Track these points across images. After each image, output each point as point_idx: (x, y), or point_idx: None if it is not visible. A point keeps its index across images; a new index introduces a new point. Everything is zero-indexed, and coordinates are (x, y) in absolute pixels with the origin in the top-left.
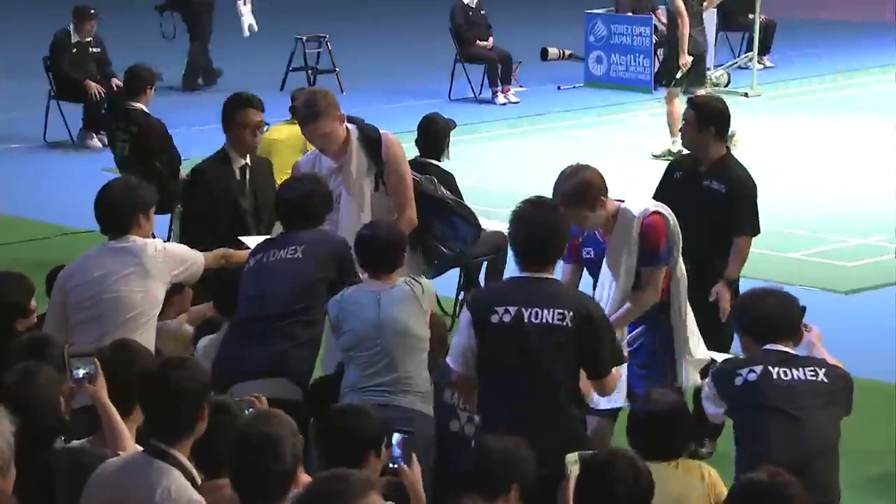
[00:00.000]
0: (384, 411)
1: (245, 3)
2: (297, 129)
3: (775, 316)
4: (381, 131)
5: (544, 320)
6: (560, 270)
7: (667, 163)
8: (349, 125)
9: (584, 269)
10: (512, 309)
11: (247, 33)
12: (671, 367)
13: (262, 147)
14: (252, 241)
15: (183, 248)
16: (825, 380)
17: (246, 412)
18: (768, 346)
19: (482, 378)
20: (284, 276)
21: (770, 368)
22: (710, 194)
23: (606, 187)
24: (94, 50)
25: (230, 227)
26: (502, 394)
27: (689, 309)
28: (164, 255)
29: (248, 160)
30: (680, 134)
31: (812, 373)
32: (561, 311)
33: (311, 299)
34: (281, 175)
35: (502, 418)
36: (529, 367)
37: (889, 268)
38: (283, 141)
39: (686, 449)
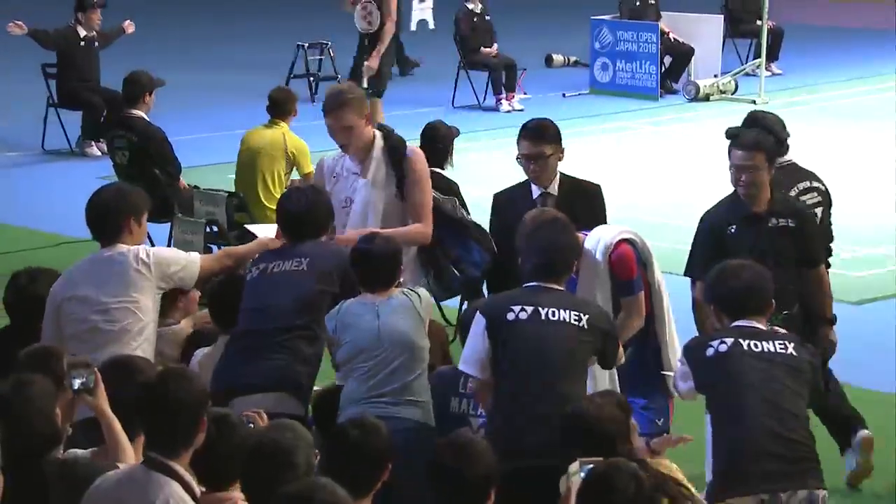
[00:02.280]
0: (385, 423)
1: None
2: (276, 133)
3: (749, 292)
4: (408, 144)
5: (561, 318)
6: None
7: None
8: (377, 131)
9: None
10: (528, 308)
11: (413, 27)
12: (664, 380)
13: (246, 155)
14: (259, 229)
15: (173, 252)
16: (794, 353)
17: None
18: (739, 322)
19: (499, 378)
20: (288, 289)
21: (741, 340)
22: (782, 233)
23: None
24: (96, 44)
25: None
26: (515, 389)
27: (672, 320)
28: (151, 262)
29: (551, 188)
30: (740, 182)
31: (782, 346)
32: (577, 312)
33: (315, 314)
34: (265, 178)
35: (514, 414)
36: (544, 362)
37: None
38: (264, 148)
39: (620, 453)
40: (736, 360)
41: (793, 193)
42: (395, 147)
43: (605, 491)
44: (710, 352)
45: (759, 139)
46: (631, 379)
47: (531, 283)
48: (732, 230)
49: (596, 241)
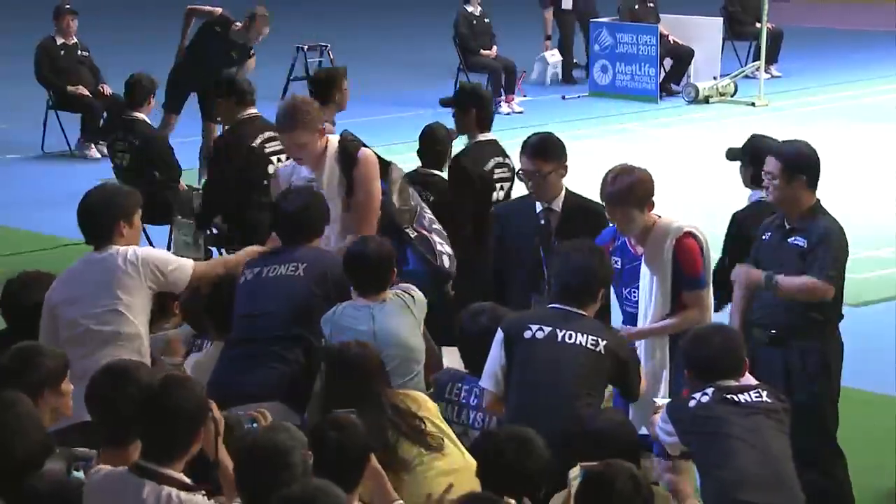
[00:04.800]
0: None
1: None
2: None
3: (721, 356)
4: (362, 148)
5: (577, 342)
6: None
7: None
8: (330, 136)
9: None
10: (546, 328)
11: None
12: None
13: None
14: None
15: (163, 254)
16: (768, 399)
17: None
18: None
19: (510, 392)
20: (283, 295)
21: (720, 393)
22: (792, 253)
23: (653, 185)
24: (83, 53)
25: (530, 280)
26: (525, 406)
27: None
28: (139, 262)
29: (555, 204)
30: (765, 190)
31: (757, 395)
32: (595, 337)
33: (310, 321)
34: None
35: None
36: (557, 383)
37: None
38: None
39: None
40: (718, 409)
41: (488, 167)
42: (346, 152)
43: (602, 491)
44: (691, 403)
45: (785, 147)
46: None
47: (553, 305)
48: (766, 238)
49: (668, 222)
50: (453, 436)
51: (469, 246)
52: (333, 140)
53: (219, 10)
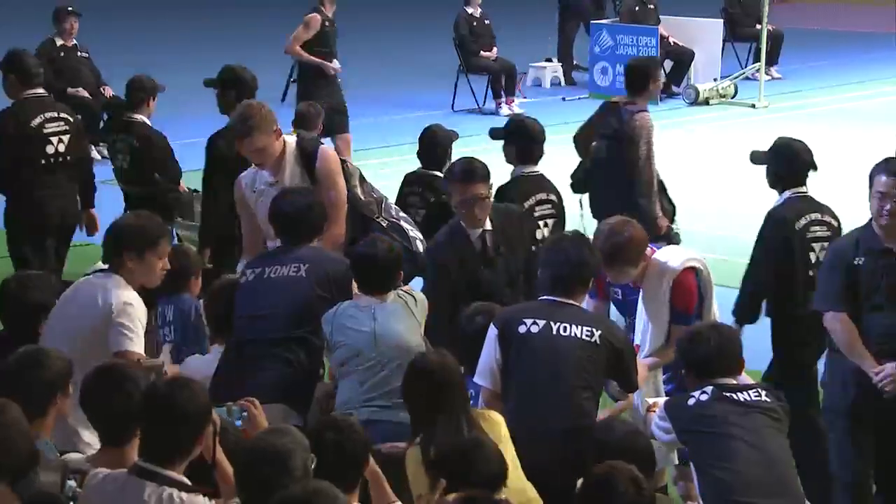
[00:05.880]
0: (379, 426)
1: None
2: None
3: (718, 354)
4: (320, 146)
5: (573, 334)
6: (586, 306)
7: None
8: (287, 138)
9: (612, 306)
10: (540, 321)
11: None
12: None
13: None
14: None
15: (131, 319)
16: (767, 399)
17: (238, 417)
18: (712, 381)
19: (506, 388)
20: (286, 296)
21: (719, 391)
22: None
23: (647, 240)
24: (83, 55)
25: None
26: (522, 402)
27: None
28: (111, 308)
29: (487, 224)
30: (883, 211)
31: (756, 394)
32: (589, 328)
33: (313, 322)
34: None
35: (518, 427)
36: (557, 377)
37: None
38: None
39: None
40: (717, 408)
41: (528, 204)
42: (305, 151)
43: (604, 493)
44: (690, 402)
45: None
46: None
47: (545, 297)
48: (858, 263)
49: (665, 260)
50: (519, 467)
51: None
52: (291, 141)
53: (313, 19)
